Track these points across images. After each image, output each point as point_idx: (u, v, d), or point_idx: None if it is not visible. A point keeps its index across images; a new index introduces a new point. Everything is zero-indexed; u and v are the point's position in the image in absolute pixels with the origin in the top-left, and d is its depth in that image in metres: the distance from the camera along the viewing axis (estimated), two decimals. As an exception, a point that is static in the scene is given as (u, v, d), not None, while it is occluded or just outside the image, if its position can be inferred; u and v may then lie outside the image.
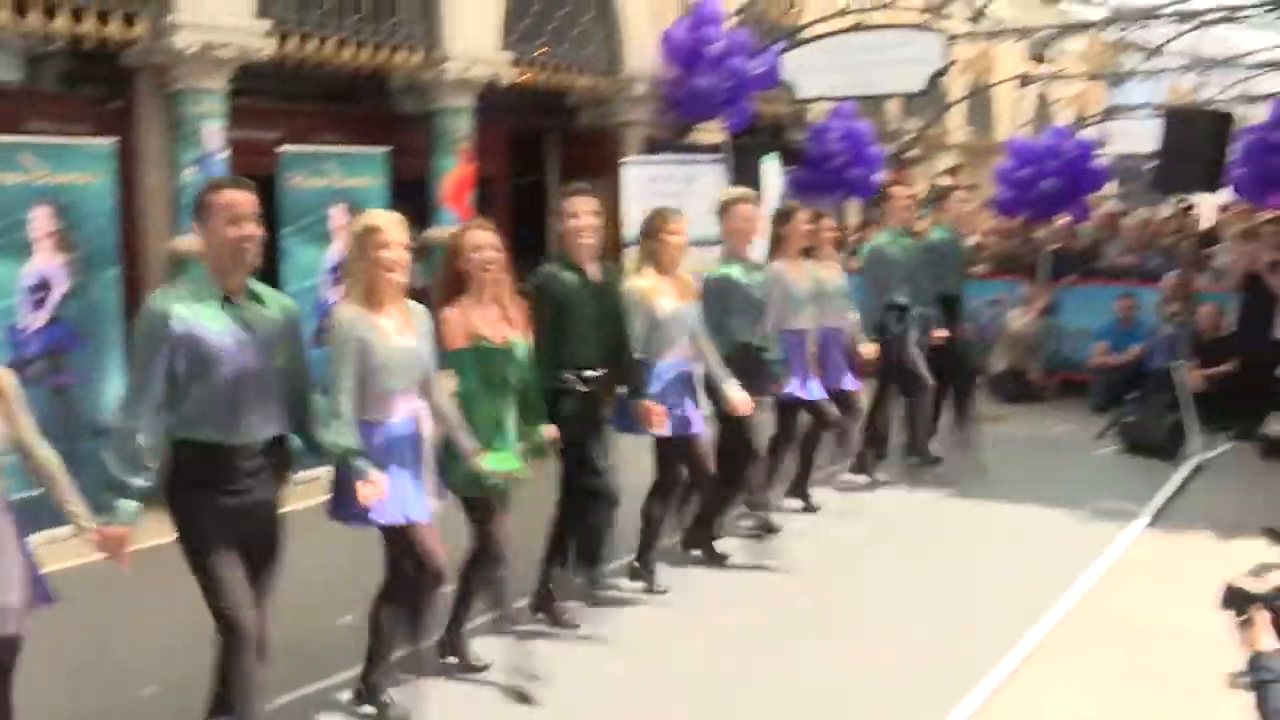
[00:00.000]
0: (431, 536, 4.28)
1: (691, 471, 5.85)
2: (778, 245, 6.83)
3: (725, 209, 6.31)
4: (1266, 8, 12.11)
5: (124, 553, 3.71)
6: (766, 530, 6.56)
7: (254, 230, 3.70)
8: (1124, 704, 4.73)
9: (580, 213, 5.11)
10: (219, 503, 3.73)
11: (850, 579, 6.20)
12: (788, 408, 6.92)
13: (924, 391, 7.99)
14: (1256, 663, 3.08)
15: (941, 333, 8.07)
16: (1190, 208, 9.75)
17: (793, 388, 6.74)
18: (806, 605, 5.79)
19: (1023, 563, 6.42)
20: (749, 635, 5.39)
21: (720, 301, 6.12)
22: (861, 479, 8.09)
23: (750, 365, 6.11)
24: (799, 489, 7.44)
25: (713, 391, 5.93)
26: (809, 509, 7.43)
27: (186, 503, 3.75)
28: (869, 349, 7.56)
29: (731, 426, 6.04)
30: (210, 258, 3.72)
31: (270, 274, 7.99)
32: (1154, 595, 5.99)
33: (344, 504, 4.15)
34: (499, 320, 4.58)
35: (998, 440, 9.81)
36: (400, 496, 4.17)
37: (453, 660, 4.95)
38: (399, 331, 4.20)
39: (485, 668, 4.92)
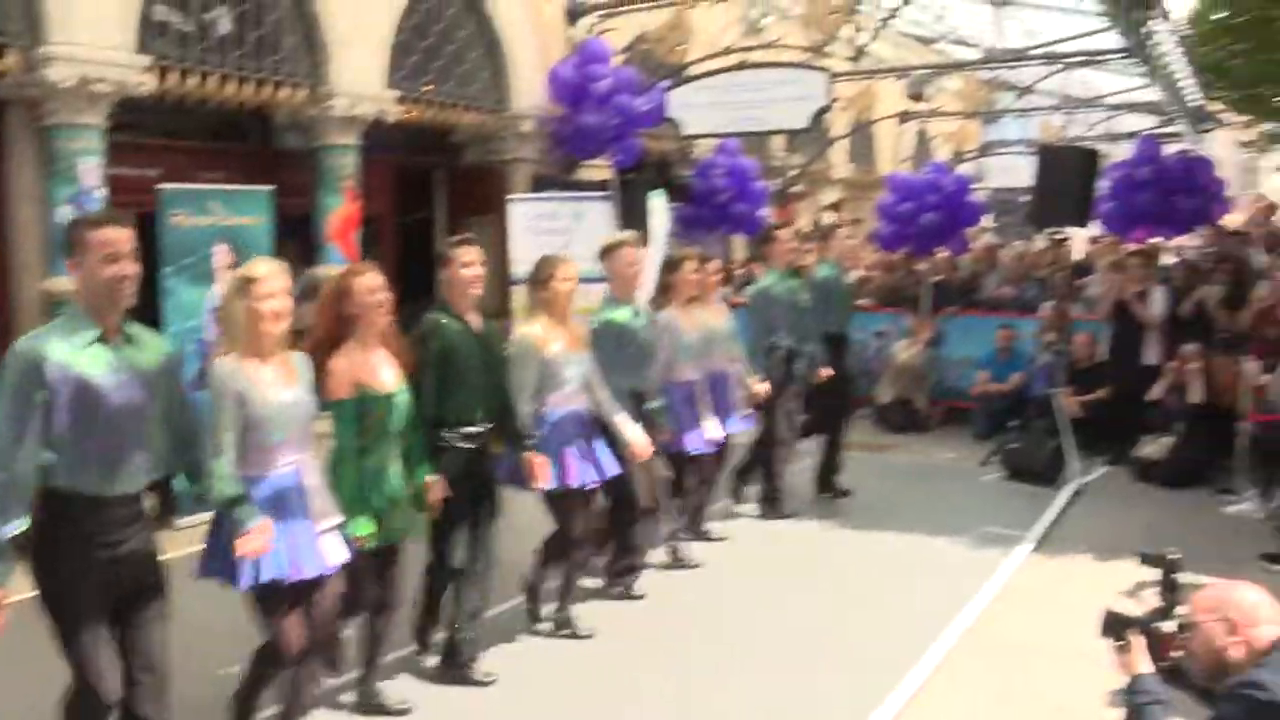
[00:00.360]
0: (324, 597, 4.21)
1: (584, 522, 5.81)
2: (666, 293, 6.78)
3: (609, 253, 6.20)
4: (1121, 54, 12.70)
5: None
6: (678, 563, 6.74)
7: (131, 268, 3.56)
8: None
9: (468, 263, 5.04)
10: (91, 556, 3.56)
11: (740, 613, 6.22)
12: (679, 458, 6.81)
13: (788, 443, 8.05)
14: (1134, 685, 3.20)
15: (826, 371, 8.16)
16: (1063, 240, 10.10)
17: (684, 440, 6.67)
18: (698, 639, 5.81)
19: (911, 591, 6.54)
20: (644, 668, 5.39)
21: (609, 347, 6.05)
22: (770, 512, 8.15)
23: (635, 414, 6.04)
24: (695, 525, 7.43)
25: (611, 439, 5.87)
26: (702, 537, 7.45)
27: (54, 558, 3.56)
28: (759, 386, 7.57)
29: (617, 479, 5.94)
30: (85, 297, 3.57)
31: (151, 314, 7.79)
32: (1038, 619, 6.14)
33: (215, 558, 4.01)
34: (384, 365, 4.52)
35: (886, 469, 10.03)
36: (285, 550, 4.03)
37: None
38: (281, 383, 4.09)
39: (404, 711, 4.88)
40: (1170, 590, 3.37)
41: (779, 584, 6.75)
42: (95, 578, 3.58)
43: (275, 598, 4.05)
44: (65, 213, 7.26)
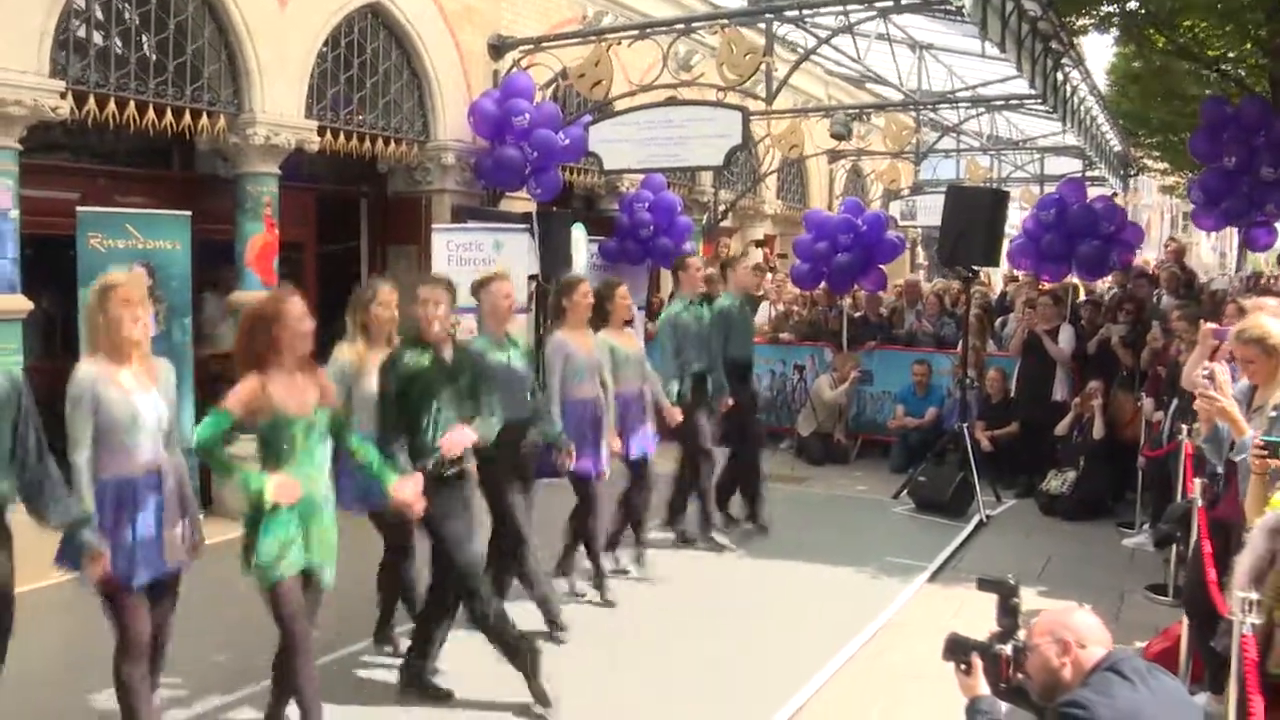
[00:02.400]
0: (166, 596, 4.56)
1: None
2: (559, 315, 6.81)
3: (480, 287, 6.12)
4: (1036, 99, 13.06)
5: None
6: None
7: None
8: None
9: (438, 301, 5.26)
10: None
11: (635, 640, 6.33)
12: (582, 480, 6.78)
13: (709, 462, 8.16)
14: (973, 706, 3.34)
15: (728, 400, 8.30)
16: (974, 277, 10.35)
17: (583, 462, 6.62)
18: (588, 662, 5.89)
19: (807, 618, 6.69)
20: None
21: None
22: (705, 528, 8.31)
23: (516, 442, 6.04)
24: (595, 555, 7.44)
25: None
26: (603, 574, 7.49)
27: None
28: (672, 411, 7.68)
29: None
30: None
31: (70, 335, 7.82)
32: (924, 647, 6.28)
33: (69, 553, 4.23)
34: (304, 389, 4.55)
35: (801, 501, 10.19)
36: (131, 557, 4.28)
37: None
38: (139, 387, 4.32)
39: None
40: (1008, 615, 3.50)
41: (677, 609, 6.85)
42: None
43: (123, 602, 4.32)
44: (-23, 235, 7.27)
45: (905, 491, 10.03)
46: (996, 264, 10.70)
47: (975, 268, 10.15)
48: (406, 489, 4.83)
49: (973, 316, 10.82)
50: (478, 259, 9.73)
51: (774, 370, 12.79)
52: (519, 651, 5.23)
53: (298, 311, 4.53)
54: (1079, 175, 18.53)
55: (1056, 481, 9.75)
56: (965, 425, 9.98)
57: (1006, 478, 10.43)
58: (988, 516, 9.31)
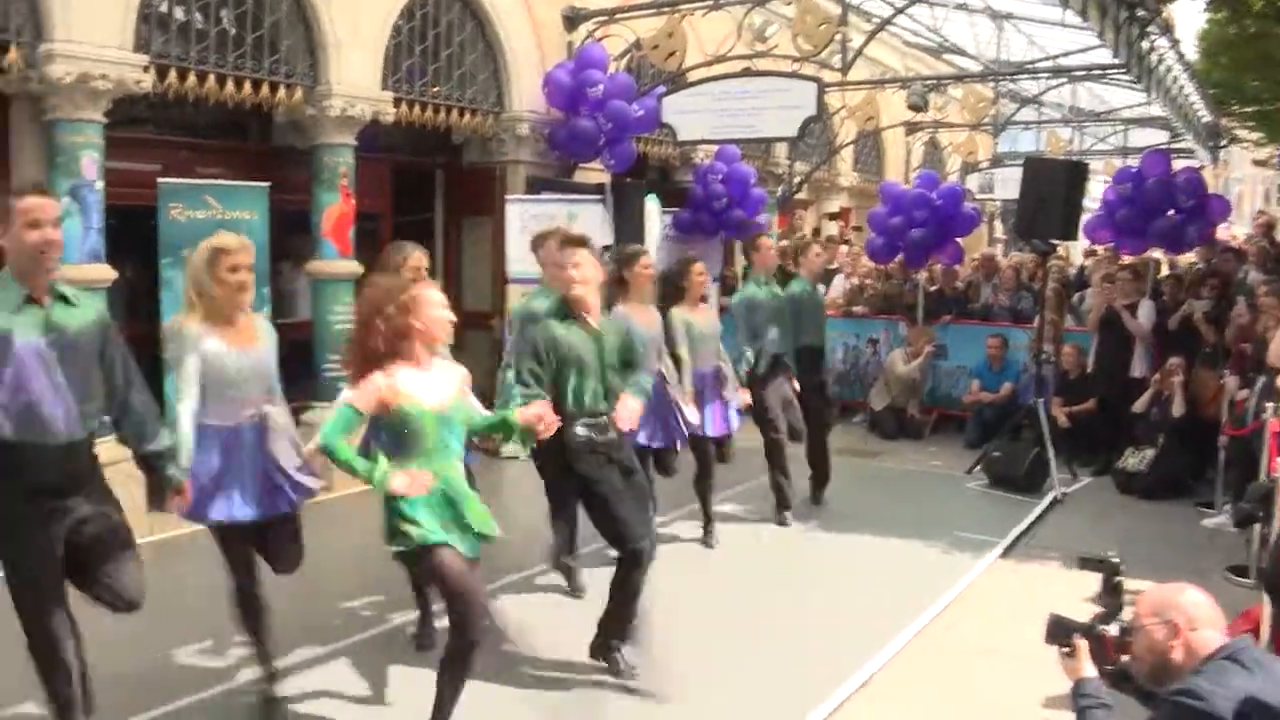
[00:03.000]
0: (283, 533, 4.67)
1: None
2: (621, 288, 6.65)
3: (537, 244, 6.50)
4: (1121, 69, 12.75)
5: None
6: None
7: (54, 235, 3.85)
8: (950, 723, 4.94)
9: (585, 263, 5.16)
10: (35, 502, 3.82)
11: (705, 606, 6.32)
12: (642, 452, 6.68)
13: (779, 441, 8.10)
14: (1079, 689, 3.27)
15: (795, 385, 8.21)
16: (1051, 251, 10.15)
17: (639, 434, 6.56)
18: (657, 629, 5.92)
19: (876, 592, 6.64)
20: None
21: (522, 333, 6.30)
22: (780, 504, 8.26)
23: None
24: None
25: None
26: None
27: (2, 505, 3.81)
28: (743, 392, 7.66)
29: None
30: (13, 262, 3.85)
31: (152, 303, 8.03)
32: (995, 622, 6.24)
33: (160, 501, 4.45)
34: (440, 380, 4.29)
35: (874, 475, 10.14)
36: (227, 496, 4.48)
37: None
38: (242, 342, 4.53)
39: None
40: (1112, 594, 3.43)
41: (748, 581, 6.87)
42: (39, 521, 3.82)
43: (230, 537, 4.57)
44: (65, 204, 7.42)
45: (979, 467, 9.91)
46: (1074, 237, 10.49)
47: (1052, 241, 9.97)
48: (534, 408, 4.59)
49: (1050, 290, 10.61)
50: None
51: (847, 344, 12.70)
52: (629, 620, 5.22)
53: (436, 299, 4.27)
54: (1164, 147, 18.08)
55: (1134, 459, 9.56)
56: (1041, 401, 9.82)
57: (1083, 455, 10.25)
58: (1063, 493, 9.17)
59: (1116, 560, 3.42)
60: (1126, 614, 3.30)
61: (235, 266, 4.47)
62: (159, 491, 4.39)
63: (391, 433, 4.22)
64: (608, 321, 5.40)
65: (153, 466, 4.28)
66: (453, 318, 4.36)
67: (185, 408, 4.36)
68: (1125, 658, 3.26)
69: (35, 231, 3.80)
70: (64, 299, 3.94)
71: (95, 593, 4.01)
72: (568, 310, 5.23)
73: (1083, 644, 3.30)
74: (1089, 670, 3.27)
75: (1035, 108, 19.73)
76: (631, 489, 5.24)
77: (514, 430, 4.55)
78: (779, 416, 8.02)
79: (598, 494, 5.14)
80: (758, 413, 7.94)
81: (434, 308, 4.24)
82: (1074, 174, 9.53)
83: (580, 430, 5.10)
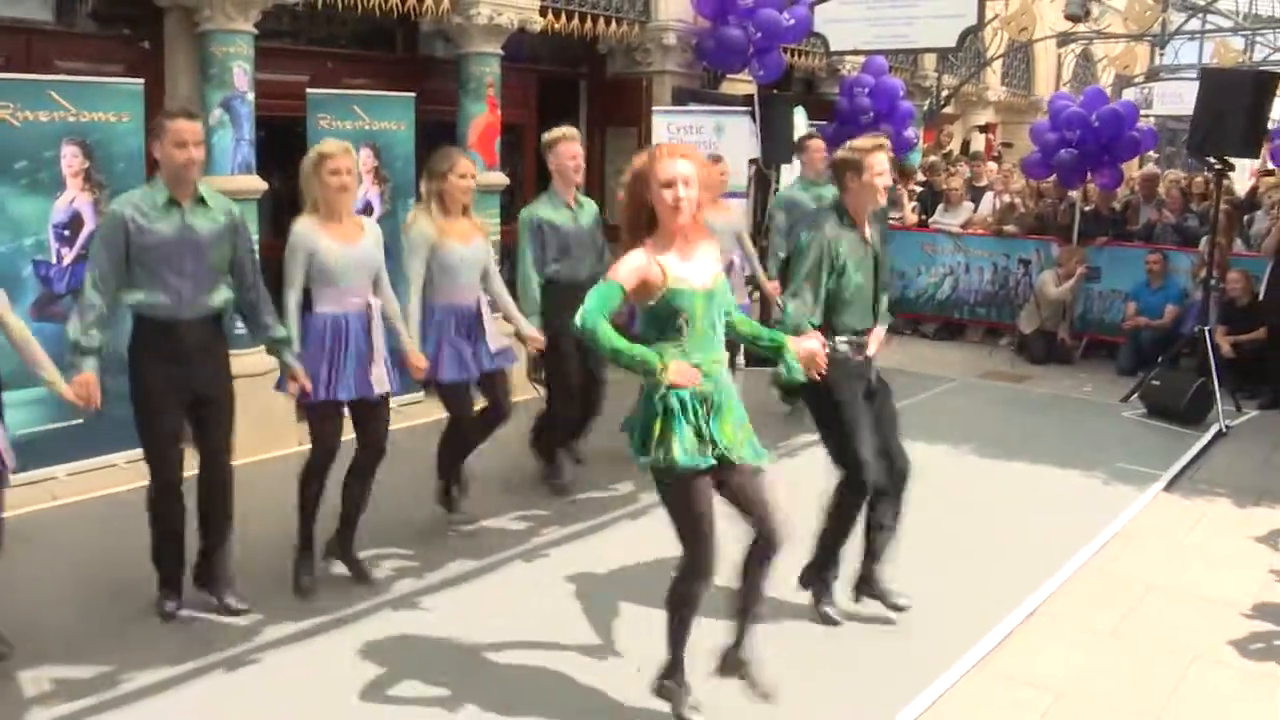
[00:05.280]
0: (373, 416, 5.18)
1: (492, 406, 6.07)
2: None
3: (549, 148, 6.52)
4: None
5: (94, 394, 4.49)
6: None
7: (197, 154, 4.55)
8: (1117, 663, 4.75)
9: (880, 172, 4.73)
10: (167, 364, 4.63)
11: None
12: None
13: None
14: None
15: None
16: (1225, 170, 9.52)
17: None
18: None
19: (1035, 524, 6.43)
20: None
21: (535, 241, 6.45)
22: None
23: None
24: None
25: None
26: None
27: (139, 365, 4.65)
28: (773, 286, 7.82)
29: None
30: (163, 171, 4.60)
31: (297, 212, 8.03)
32: (1162, 558, 5.99)
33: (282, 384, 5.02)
34: (706, 258, 3.93)
35: (1023, 400, 9.84)
36: (342, 378, 4.98)
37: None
38: (348, 238, 5.01)
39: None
40: None
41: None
42: (168, 383, 4.62)
43: (322, 413, 5.08)
44: (217, 115, 7.50)
45: (1136, 395, 9.51)
46: (1256, 155, 9.84)
47: (1230, 159, 9.39)
48: (809, 341, 4.30)
49: (1222, 212, 10.01)
50: (699, 142, 9.55)
51: (997, 264, 12.27)
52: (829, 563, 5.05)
53: (690, 173, 3.82)
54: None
55: (1309, 392, 9.08)
56: (1207, 328, 9.35)
57: (1249, 387, 9.75)
58: (1227, 426, 8.75)
59: None
60: None
61: (336, 170, 4.92)
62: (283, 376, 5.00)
63: (654, 318, 3.86)
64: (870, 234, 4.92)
65: (274, 353, 4.94)
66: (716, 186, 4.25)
67: (288, 297, 4.95)
68: None
69: (181, 151, 4.51)
70: (202, 202, 4.67)
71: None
72: (847, 214, 4.82)
73: None
74: None
75: (1201, 16, 18.62)
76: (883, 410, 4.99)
77: (782, 353, 4.16)
78: None
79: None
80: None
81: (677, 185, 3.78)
82: (1260, 85, 8.90)
83: (842, 346, 4.76)
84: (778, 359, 4.17)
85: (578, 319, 3.68)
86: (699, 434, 3.79)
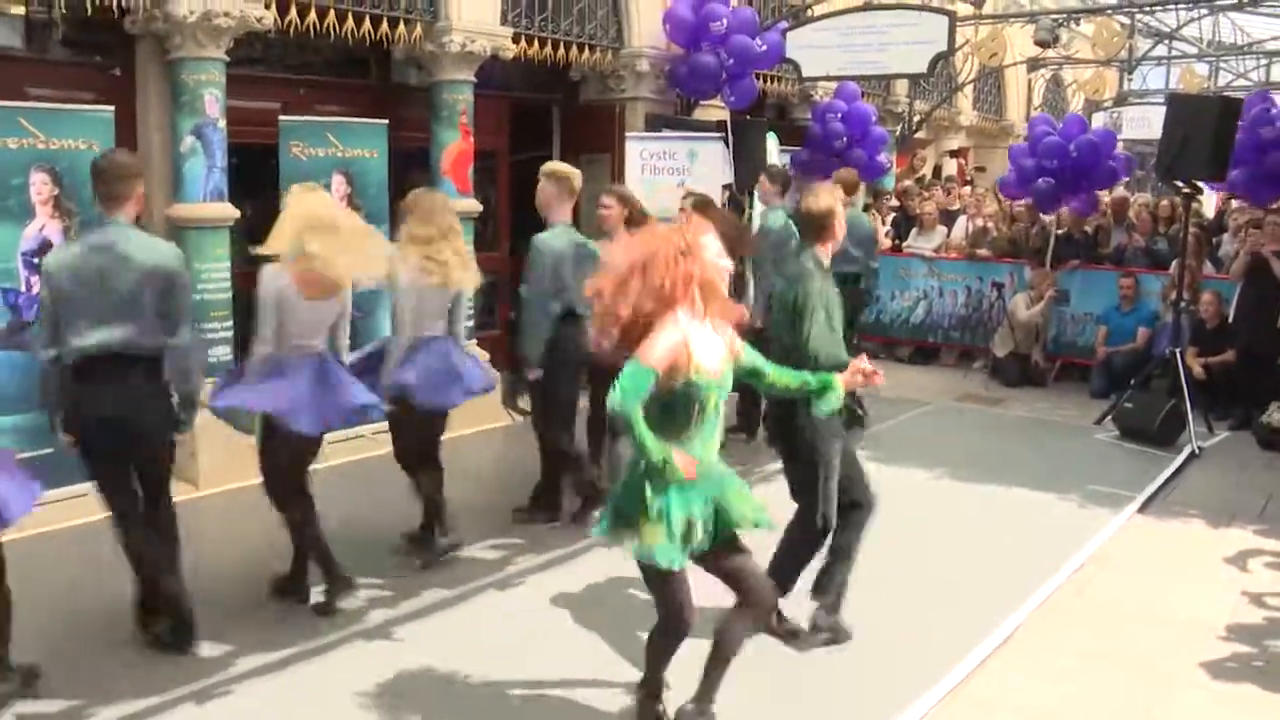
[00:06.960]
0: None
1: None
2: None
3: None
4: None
5: None
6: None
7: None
8: (1093, 687, 4.74)
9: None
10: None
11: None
12: None
13: None
14: None
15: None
16: (1194, 195, 9.60)
17: None
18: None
19: (1010, 547, 6.43)
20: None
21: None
22: None
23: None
24: None
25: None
26: None
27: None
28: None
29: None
30: None
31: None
32: (1136, 581, 6.00)
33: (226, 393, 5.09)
34: (718, 343, 3.79)
35: (997, 422, 9.87)
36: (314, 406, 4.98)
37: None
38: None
39: None
40: None
41: (874, 533, 6.68)
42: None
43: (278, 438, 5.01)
44: (189, 143, 7.47)
45: (1109, 417, 9.56)
46: (1223, 179, 9.90)
47: (1198, 183, 9.47)
48: (862, 364, 4.29)
49: (1191, 235, 10.10)
50: (671, 168, 9.61)
51: (970, 287, 12.33)
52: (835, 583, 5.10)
53: (715, 248, 3.72)
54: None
55: (1279, 414, 9.13)
56: (1178, 350, 9.41)
57: (1220, 408, 9.82)
58: (1199, 448, 8.79)
59: None
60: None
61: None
62: None
63: (665, 404, 3.68)
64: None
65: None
66: (730, 265, 3.85)
67: (260, 349, 4.97)
68: None
69: None
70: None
71: None
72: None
73: None
74: None
75: (1167, 43, 18.83)
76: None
77: (829, 391, 4.15)
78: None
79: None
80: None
81: (712, 254, 3.70)
82: (1225, 110, 8.97)
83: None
84: (820, 398, 4.17)
85: (611, 402, 3.53)
86: (688, 527, 3.69)
